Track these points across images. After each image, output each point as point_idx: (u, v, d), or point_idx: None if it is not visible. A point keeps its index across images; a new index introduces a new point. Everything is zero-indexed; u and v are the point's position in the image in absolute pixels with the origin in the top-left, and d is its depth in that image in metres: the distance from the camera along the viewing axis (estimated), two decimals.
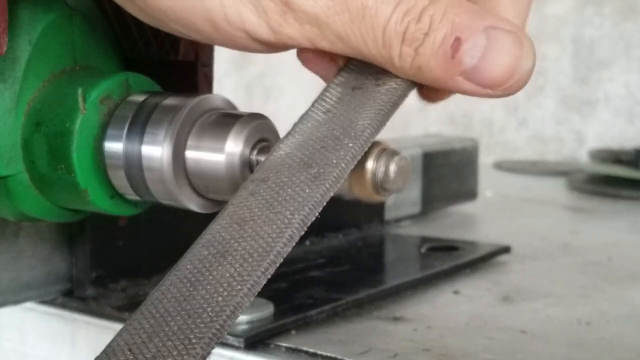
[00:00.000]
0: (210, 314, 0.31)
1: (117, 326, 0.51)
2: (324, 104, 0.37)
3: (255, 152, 0.39)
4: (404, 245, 0.71)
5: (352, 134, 0.35)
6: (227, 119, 0.40)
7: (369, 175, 0.36)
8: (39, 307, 0.54)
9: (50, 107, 0.41)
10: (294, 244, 0.33)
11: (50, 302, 0.53)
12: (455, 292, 0.58)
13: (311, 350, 0.46)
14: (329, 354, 0.45)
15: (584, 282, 0.61)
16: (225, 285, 0.32)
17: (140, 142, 0.40)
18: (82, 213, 0.45)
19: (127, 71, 0.44)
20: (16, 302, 0.51)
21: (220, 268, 0.32)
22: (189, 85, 0.48)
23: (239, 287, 0.31)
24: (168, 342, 0.30)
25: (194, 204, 0.41)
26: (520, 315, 0.53)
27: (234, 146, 0.39)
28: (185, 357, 0.30)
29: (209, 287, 0.32)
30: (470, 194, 0.90)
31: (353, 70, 0.38)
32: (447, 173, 0.85)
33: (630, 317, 0.53)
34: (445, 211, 0.87)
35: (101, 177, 0.41)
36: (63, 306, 0.53)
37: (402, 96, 0.37)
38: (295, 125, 0.37)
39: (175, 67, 0.47)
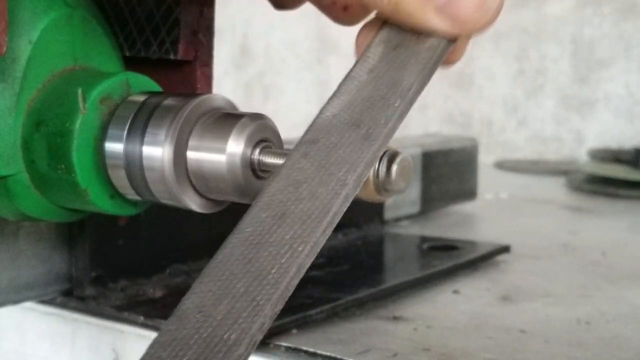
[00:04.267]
0: (275, 275, 0.31)
1: (117, 326, 0.51)
2: (367, 63, 0.38)
3: (256, 152, 0.39)
4: (404, 245, 0.71)
5: (398, 92, 0.36)
6: (228, 119, 0.40)
7: (371, 176, 0.37)
8: (39, 307, 0.54)
9: (50, 107, 0.41)
10: (349, 204, 0.34)
11: (50, 302, 0.53)
12: (455, 292, 0.58)
13: (311, 349, 0.46)
14: (328, 354, 0.45)
15: (584, 282, 0.61)
16: (287, 246, 0.32)
17: (141, 142, 0.40)
18: (82, 213, 0.45)
19: (127, 71, 0.44)
20: (16, 301, 0.51)
21: (280, 230, 0.33)
22: (189, 85, 0.48)
23: (300, 248, 0.32)
24: (237, 303, 0.31)
25: (194, 204, 0.41)
26: (520, 315, 0.53)
27: (235, 146, 0.39)
28: (255, 318, 0.30)
29: (271, 248, 0.32)
30: (469, 194, 0.90)
31: (393, 28, 0.39)
32: (447, 173, 0.85)
33: (630, 316, 0.53)
34: (445, 211, 0.87)
35: (101, 177, 0.41)
36: (63, 306, 0.53)
37: (443, 53, 0.38)
38: (340, 85, 0.38)
39: (175, 66, 0.47)
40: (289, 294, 0.31)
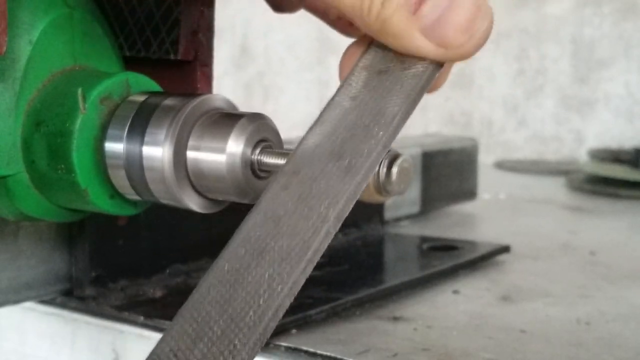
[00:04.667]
0: (252, 317, 0.31)
1: (117, 326, 0.51)
2: (350, 89, 0.37)
3: (256, 152, 0.39)
4: (404, 245, 0.71)
5: (382, 122, 0.35)
6: (228, 119, 0.40)
7: (371, 178, 0.36)
8: (39, 307, 0.54)
9: (50, 107, 0.41)
10: (330, 239, 0.33)
11: (50, 302, 0.53)
12: (455, 292, 0.58)
13: (311, 349, 0.46)
14: (328, 354, 0.45)
15: (584, 282, 0.61)
16: (265, 286, 0.31)
17: (141, 142, 0.40)
18: (82, 213, 0.45)
19: (127, 71, 0.44)
20: (16, 301, 0.51)
21: (258, 268, 0.32)
22: (189, 85, 0.48)
23: (279, 288, 0.31)
24: (213, 347, 0.30)
25: (194, 204, 0.41)
26: (520, 315, 0.53)
27: (235, 146, 0.39)
28: None
29: (249, 288, 0.32)
30: (469, 194, 0.90)
31: (377, 52, 0.38)
32: (447, 173, 0.85)
33: (630, 316, 0.53)
34: (445, 211, 0.87)
35: (101, 177, 0.41)
36: (62, 306, 0.53)
37: (429, 79, 0.37)
38: (322, 113, 0.37)
39: (175, 66, 0.48)
40: (267, 336, 0.31)
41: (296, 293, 0.31)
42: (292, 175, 0.35)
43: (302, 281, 0.32)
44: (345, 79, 0.38)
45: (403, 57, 0.37)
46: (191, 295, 0.32)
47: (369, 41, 0.39)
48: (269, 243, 0.33)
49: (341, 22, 0.47)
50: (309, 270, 0.32)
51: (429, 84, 0.37)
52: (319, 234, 0.32)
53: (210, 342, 0.31)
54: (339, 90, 0.37)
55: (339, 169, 0.34)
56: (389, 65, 0.37)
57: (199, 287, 0.33)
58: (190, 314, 0.32)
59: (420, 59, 0.37)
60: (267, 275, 0.32)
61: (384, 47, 0.38)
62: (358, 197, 0.34)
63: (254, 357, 0.30)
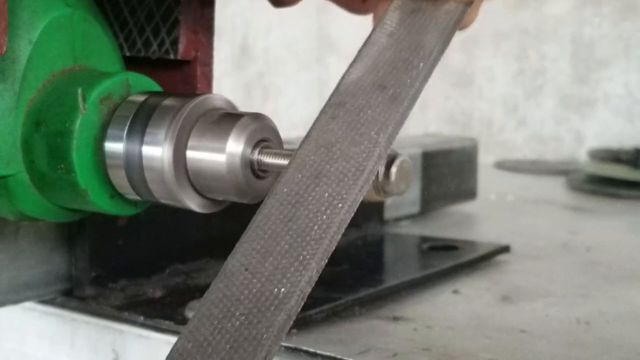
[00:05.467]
0: (317, 231, 0.32)
1: (117, 326, 0.51)
2: (385, 27, 0.38)
3: (256, 152, 0.39)
4: (404, 245, 0.71)
5: (421, 55, 0.37)
6: (228, 119, 0.40)
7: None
8: (39, 307, 0.54)
9: (50, 107, 0.41)
10: (383, 162, 0.34)
11: (50, 302, 0.53)
12: (455, 292, 0.58)
13: (311, 349, 0.46)
14: (328, 354, 0.45)
15: (584, 282, 0.61)
16: (326, 204, 0.33)
17: (141, 142, 0.40)
18: (81, 213, 0.45)
19: (127, 71, 0.44)
20: (16, 301, 0.51)
21: (317, 189, 0.33)
22: (189, 85, 0.48)
23: (340, 205, 0.33)
24: (282, 260, 0.32)
25: (194, 204, 0.41)
26: (520, 315, 0.53)
27: (235, 146, 0.39)
28: (303, 272, 0.31)
29: (310, 206, 0.33)
30: (469, 194, 0.90)
31: None
32: (447, 172, 0.85)
33: (630, 316, 0.53)
34: (445, 211, 0.87)
35: (101, 176, 0.41)
36: (62, 306, 0.53)
37: (460, 16, 0.38)
38: (360, 49, 0.38)
39: (175, 66, 0.48)
40: (332, 249, 0.32)
41: (355, 210, 0.33)
42: (339, 106, 0.36)
43: (360, 199, 0.33)
44: (379, 19, 0.39)
45: None
46: (254, 218, 0.33)
47: None
48: (324, 167, 0.34)
49: (354, 1, 0.47)
50: (365, 190, 0.33)
51: (461, 19, 0.39)
52: (372, 156, 0.34)
53: (279, 255, 0.32)
54: (374, 29, 0.39)
55: (384, 99, 0.35)
56: (420, 5, 0.39)
57: (260, 209, 0.34)
58: (257, 233, 0.33)
59: None
60: (326, 195, 0.33)
61: None
62: (404, 123, 0.35)
63: (322, 268, 0.32)
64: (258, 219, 0.33)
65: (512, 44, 1.41)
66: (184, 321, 0.49)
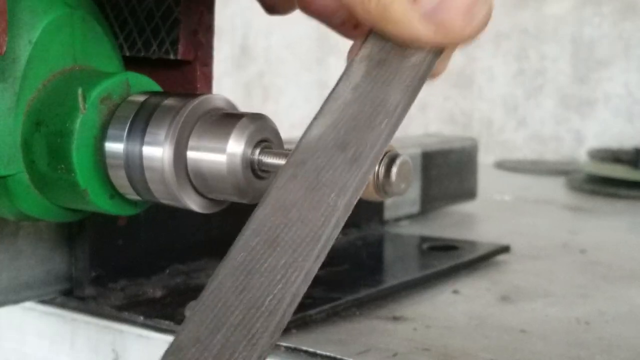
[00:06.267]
0: (270, 304, 0.31)
1: (117, 326, 0.51)
2: (350, 80, 0.38)
3: (256, 152, 0.39)
4: (404, 245, 0.71)
5: (385, 112, 0.36)
6: (228, 119, 0.40)
7: (371, 177, 0.36)
8: (39, 307, 0.54)
9: (50, 107, 0.41)
10: (341, 228, 0.33)
11: (50, 302, 0.53)
12: (455, 292, 0.58)
13: (311, 349, 0.46)
14: (328, 354, 0.45)
15: (583, 282, 0.62)
16: (280, 275, 0.32)
17: (142, 142, 0.40)
18: (81, 213, 0.45)
19: (127, 71, 0.44)
20: (15, 301, 0.51)
21: (272, 257, 0.33)
22: (189, 85, 0.48)
23: (294, 275, 0.32)
24: (233, 334, 0.31)
25: (194, 204, 0.41)
26: (520, 315, 0.53)
27: (235, 146, 0.39)
28: (252, 350, 0.30)
29: (264, 276, 0.32)
30: (469, 194, 0.90)
31: (376, 43, 0.38)
32: (447, 172, 0.85)
33: (629, 316, 0.53)
34: (445, 211, 0.87)
35: (101, 176, 0.41)
36: (62, 306, 0.53)
37: (428, 69, 0.37)
38: (323, 104, 0.37)
39: (175, 66, 0.48)
40: (286, 322, 0.31)
41: (311, 280, 0.32)
42: (299, 165, 0.35)
43: (316, 268, 0.32)
44: (345, 70, 0.38)
45: (402, 47, 0.38)
46: (208, 284, 0.33)
47: (367, 31, 0.39)
48: (280, 233, 0.33)
49: (345, 27, 0.47)
50: (322, 258, 0.33)
51: (428, 72, 0.37)
52: (329, 223, 0.33)
53: (229, 330, 0.31)
54: (339, 81, 0.38)
55: (345, 160, 0.35)
56: (388, 56, 0.38)
57: (214, 277, 0.33)
58: (209, 303, 0.32)
59: (419, 47, 0.37)
60: (281, 264, 0.32)
61: (382, 38, 0.38)
62: (364, 187, 0.34)
63: (275, 342, 0.31)
64: (211, 287, 0.33)
65: (512, 44, 1.41)
66: (183, 321, 0.49)
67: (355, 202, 0.34)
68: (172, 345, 0.32)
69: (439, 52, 0.38)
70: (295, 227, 0.33)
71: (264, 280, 0.32)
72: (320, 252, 0.32)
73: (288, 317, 0.31)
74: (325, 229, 0.33)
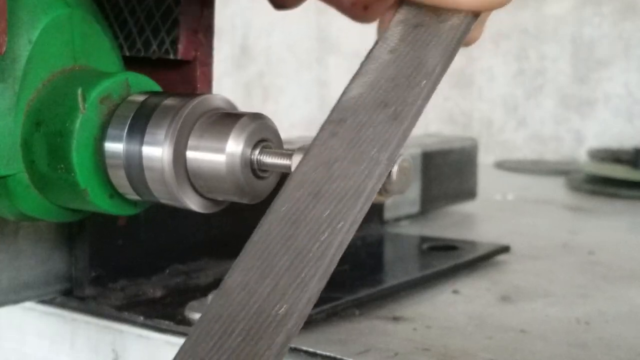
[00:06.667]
0: (317, 251, 0.31)
1: (117, 326, 0.51)
2: (387, 43, 0.38)
3: (256, 152, 0.39)
4: (404, 245, 0.71)
5: (423, 72, 0.36)
6: (228, 119, 0.40)
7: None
8: (38, 307, 0.54)
9: (50, 107, 0.41)
10: (383, 182, 0.34)
11: (50, 302, 0.53)
12: (455, 292, 0.58)
13: (311, 349, 0.46)
14: (328, 354, 0.45)
15: (583, 282, 0.62)
16: (325, 224, 0.32)
17: (141, 142, 0.40)
18: (81, 213, 0.45)
19: (127, 71, 0.44)
20: (15, 301, 0.51)
21: (317, 208, 0.33)
22: (188, 85, 0.48)
23: (340, 225, 0.32)
24: (281, 279, 0.31)
25: (194, 204, 0.41)
26: (520, 315, 0.53)
27: (234, 146, 0.39)
28: (302, 293, 0.30)
29: (310, 225, 0.32)
30: (469, 194, 0.90)
31: (411, 7, 0.38)
32: (447, 172, 0.85)
33: (629, 316, 0.53)
34: (445, 211, 0.87)
35: (101, 176, 0.41)
36: (62, 306, 0.53)
37: (465, 32, 0.38)
38: (362, 65, 0.37)
39: (175, 66, 0.47)
40: (333, 269, 0.31)
41: (355, 230, 0.32)
42: (339, 122, 0.35)
43: (360, 219, 0.32)
44: (381, 34, 0.39)
45: (438, 10, 0.38)
46: (252, 235, 0.33)
47: None
48: (323, 186, 0.33)
49: (355, 8, 0.47)
50: (365, 209, 0.33)
51: (465, 35, 0.38)
52: (372, 176, 0.33)
53: (278, 274, 0.31)
54: (375, 44, 0.38)
55: (386, 117, 0.35)
56: (424, 19, 0.38)
57: (259, 227, 0.33)
58: (255, 250, 0.32)
59: (456, 11, 0.37)
60: (326, 214, 0.32)
61: (416, 3, 0.38)
62: (405, 142, 0.35)
63: (321, 288, 0.31)
64: (256, 236, 0.33)
65: (512, 44, 1.41)
66: (184, 321, 0.49)
67: (396, 157, 0.34)
68: (220, 288, 0.32)
69: (476, 15, 0.38)
70: (338, 180, 0.33)
71: (310, 229, 0.32)
72: (364, 204, 0.33)
73: (334, 264, 0.31)
74: (368, 182, 0.33)
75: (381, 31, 0.39)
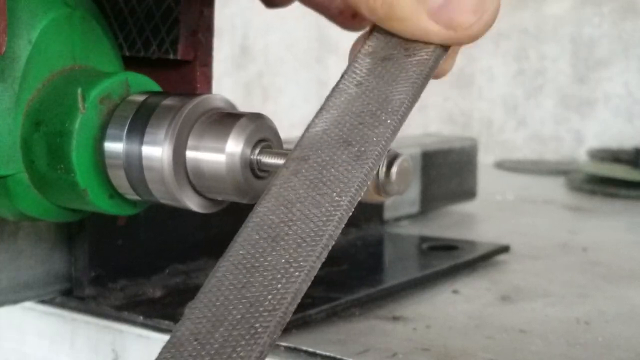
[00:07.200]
0: (272, 301, 0.31)
1: (117, 326, 0.51)
2: (354, 76, 0.37)
3: (256, 152, 0.39)
4: (403, 245, 0.71)
5: (389, 109, 0.35)
6: (227, 119, 0.40)
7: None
8: (38, 307, 0.54)
9: (49, 107, 0.41)
10: (343, 226, 0.33)
11: (50, 302, 0.53)
12: (455, 292, 0.58)
13: (310, 349, 0.46)
14: (328, 354, 0.45)
15: (583, 282, 0.62)
16: (282, 271, 0.31)
17: (141, 142, 0.40)
18: (81, 213, 0.45)
19: (127, 71, 0.44)
20: (15, 301, 0.51)
21: (274, 253, 0.32)
22: (188, 85, 0.48)
23: (296, 273, 0.31)
24: (234, 331, 0.30)
25: (194, 204, 0.41)
26: (520, 315, 0.53)
27: (234, 146, 0.39)
28: (254, 347, 0.30)
29: (265, 273, 0.32)
30: (469, 194, 0.90)
31: (380, 39, 0.38)
32: (446, 172, 0.85)
33: (629, 316, 0.53)
34: (445, 210, 0.87)
35: (100, 176, 0.41)
36: (62, 306, 0.53)
37: (434, 67, 0.37)
38: (327, 98, 0.37)
39: (175, 66, 0.47)
40: (287, 320, 0.31)
41: (313, 277, 0.32)
42: (302, 161, 0.35)
43: (318, 266, 0.32)
44: (348, 65, 0.38)
45: (407, 43, 0.37)
46: (207, 280, 0.32)
47: (371, 26, 0.39)
48: (282, 229, 0.33)
49: (342, 16, 0.47)
50: (324, 256, 0.32)
51: (434, 70, 0.37)
52: (332, 220, 0.33)
53: (230, 325, 0.31)
54: (343, 76, 0.38)
55: (349, 156, 0.34)
56: (392, 52, 0.37)
57: (214, 272, 0.33)
58: (209, 299, 0.32)
59: (425, 44, 0.37)
60: (283, 260, 0.32)
61: (386, 33, 0.38)
62: (368, 184, 0.34)
63: (275, 340, 0.30)
64: (212, 282, 0.32)
65: (511, 44, 1.41)
66: None
67: (358, 200, 0.34)
68: (170, 340, 0.31)
69: (445, 48, 0.37)
70: (297, 223, 0.33)
71: (265, 277, 0.32)
72: (322, 250, 0.32)
73: (289, 315, 0.31)
74: (328, 227, 0.32)
75: (351, 60, 0.39)
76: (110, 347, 0.52)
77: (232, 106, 0.42)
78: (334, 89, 0.37)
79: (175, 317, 0.49)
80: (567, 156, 1.36)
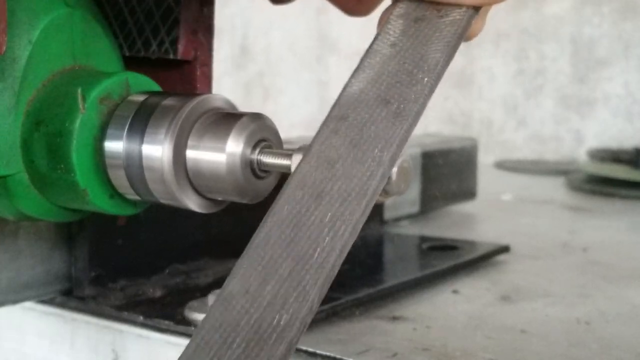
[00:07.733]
0: (318, 257, 0.31)
1: (117, 325, 0.51)
2: (388, 37, 0.38)
3: (256, 152, 0.39)
4: (403, 245, 0.71)
5: (426, 68, 0.36)
6: (227, 119, 0.40)
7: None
8: (38, 307, 0.54)
9: (49, 107, 0.41)
10: (386, 182, 0.33)
11: (50, 302, 0.53)
12: (455, 292, 0.58)
13: (310, 349, 0.46)
14: (328, 354, 0.45)
15: (583, 282, 0.61)
16: (327, 228, 0.32)
17: (141, 142, 0.40)
18: (81, 213, 0.45)
19: (127, 71, 0.44)
20: (15, 301, 0.51)
21: (319, 210, 0.32)
22: (188, 85, 0.48)
23: (342, 228, 0.32)
24: (283, 286, 0.31)
25: (194, 204, 0.41)
26: (520, 315, 0.53)
27: (234, 146, 0.39)
28: (304, 301, 0.30)
29: (312, 229, 0.32)
30: (469, 194, 0.90)
31: (411, 1, 0.38)
32: (446, 172, 0.85)
33: (630, 316, 0.53)
34: (445, 210, 0.87)
35: (101, 176, 0.41)
36: (62, 306, 0.53)
37: (467, 26, 0.38)
38: (362, 59, 0.37)
39: (175, 66, 0.48)
40: (334, 276, 0.31)
41: (358, 232, 0.32)
42: (341, 119, 0.35)
43: (363, 221, 0.32)
44: (380, 28, 0.38)
45: (439, 4, 0.38)
46: (253, 237, 0.33)
47: None
48: (326, 186, 0.33)
49: (349, 1, 0.47)
50: (368, 211, 0.32)
51: (467, 30, 0.38)
52: (375, 176, 0.33)
53: (279, 281, 0.31)
54: (376, 38, 0.38)
55: (388, 114, 0.35)
56: (425, 13, 0.38)
57: (259, 230, 0.33)
58: (256, 255, 0.32)
59: (457, 5, 0.37)
60: (329, 216, 0.32)
61: None
62: (407, 140, 0.35)
63: (323, 296, 0.31)
64: (257, 239, 0.32)
65: (511, 44, 1.41)
66: (183, 321, 0.49)
67: (399, 156, 0.34)
68: (221, 295, 0.31)
69: (477, 9, 0.38)
70: (340, 181, 0.33)
71: (311, 233, 0.32)
72: (367, 206, 0.32)
73: (336, 270, 0.31)
74: (371, 182, 0.33)
75: (381, 25, 0.39)
76: (110, 347, 0.52)
77: (232, 106, 0.42)
78: (368, 50, 0.37)
79: (175, 317, 0.49)
80: (567, 156, 1.36)
